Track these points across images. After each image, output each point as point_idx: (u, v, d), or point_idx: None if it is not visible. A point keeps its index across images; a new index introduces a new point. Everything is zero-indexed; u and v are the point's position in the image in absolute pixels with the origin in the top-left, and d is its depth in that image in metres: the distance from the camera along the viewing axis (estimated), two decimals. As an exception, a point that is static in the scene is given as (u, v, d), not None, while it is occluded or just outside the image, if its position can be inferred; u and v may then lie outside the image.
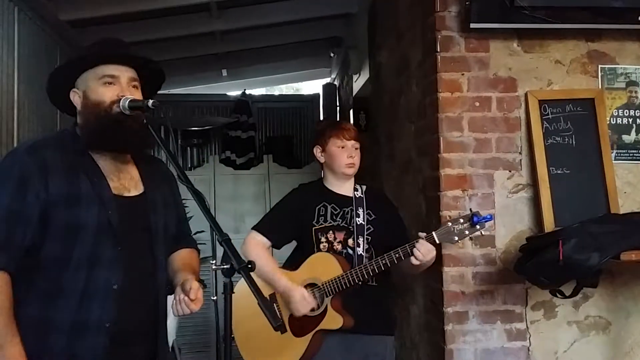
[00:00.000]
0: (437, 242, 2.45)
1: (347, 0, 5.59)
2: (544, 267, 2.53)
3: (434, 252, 2.47)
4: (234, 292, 1.68)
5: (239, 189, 7.02)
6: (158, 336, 1.97)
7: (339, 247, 2.64)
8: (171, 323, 3.09)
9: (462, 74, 2.93)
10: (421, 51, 3.24)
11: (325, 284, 2.56)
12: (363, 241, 2.64)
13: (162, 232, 1.96)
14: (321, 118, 7.69)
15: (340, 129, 2.73)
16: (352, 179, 2.77)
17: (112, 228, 1.81)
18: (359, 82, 5.73)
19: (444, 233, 2.44)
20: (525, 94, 2.95)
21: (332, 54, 7.05)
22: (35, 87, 4.17)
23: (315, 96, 8.12)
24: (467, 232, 2.43)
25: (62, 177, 1.79)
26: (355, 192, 2.74)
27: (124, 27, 5.12)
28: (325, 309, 2.58)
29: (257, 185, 6.95)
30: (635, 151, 2.99)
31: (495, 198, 2.93)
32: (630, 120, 3.01)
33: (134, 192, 1.92)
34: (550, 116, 2.93)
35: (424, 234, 2.45)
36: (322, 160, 2.76)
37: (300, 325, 2.59)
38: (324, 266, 2.58)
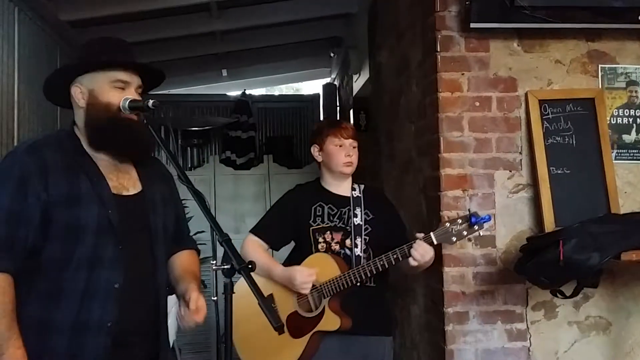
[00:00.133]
0: (435, 243, 2.43)
1: (347, 0, 5.59)
2: (544, 267, 2.53)
3: (432, 253, 2.46)
4: (234, 292, 1.67)
5: (239, 189, 7.02)
6: (159, 336, 1.97)
7: (336, 247, 2.63)
8: (171, 323, 3.08)
9: (462, 74, 2.93)
10: (421, 51, 3.24)
11: (323, 284, 2.55)
12: (361, 242, 2.63)
13: (161, 230, 1.96)
14: (321, 118, 7.69)
15: (338, 128, 2.71)
16: (350, 178, 2.75)
17: (112, 227, 1.81)
18: (359, 82, 5.73)
19: (442, 234, 2.43)
20: (526, 94, 2.95)
21: (332, 54, 7.05)
22: (36, 87, 4.17)
23: (316, 96, 8.12)
24: (465, 233, 2.42)
25: (62, 177, 1.78)
26: (353, 192, 2.72)
27: (124, 27, 5.12)
28: (323, 310, 2.57)
29: (257, 185, 6.95)
30: (635, 151, 2.99)
31: (496, 198, 2.93)
32: (631, 120, 3.01)
33: (132, 191, 1.92)
34: (550, 116, 2.93)
35: (422, 235, 2.44)
36: (319, 159, 2.75)
37: (298, 326, 2.58)
38: (321, 267, 2.56)
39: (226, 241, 1.68)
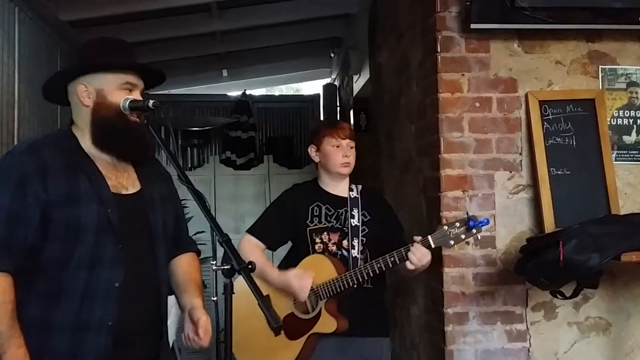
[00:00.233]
0: (433, 246, 2.41)
1: (347, 0, 5.60)
2: (544, 268, 2.53)
3: (430, 256, 2.44)
4: (234, 293, 1.67)
5: (239, 189, 7.02)
6: (160, 335, 1.97)
7: (333, 248, 2.61)
8: (171, 324, 3.09)
9: (463, 75, 2.93)
10: (421, 51, 3.24)
11: (320, 286, 2.53)
12: (358, 243, 2.62)
13: (161, 229, 1.96)
14: (321, 118, 7.69)
15: (335, 128, 2.69)
16: (347, 179, 2.73)
17: (112, 226, 1.81)
18: (359, 83, 5.73)
19: (440, 237, 2.41)
20: (526, 95, 2.95)
21: (332, 55, 7.05)
22: (36, 87, 4.16)
23: (316, 96, 8.12)
24: (463, 236, 2.40)
25: (61, 176, 1.78)
26: (351, 192, 2.70)
27: (124, 28, 5.12)
28: (320, 312, 2.55)
29: (257, 185, 6.96)
30: (635, 152, 2.99)
31: (496, 199, 2.93)
32: (631, 120, 3.01)
33: (131, 190, 1.92)
34: (550, 117, 2.93)
35: (419, 238, 2.42)
36: (316, 159, 2.72)
37: (294, 328, 2.56)
38: (318, 268, 2.55)
39: (226, 241, 1.68)
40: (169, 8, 4.98)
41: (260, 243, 2.66)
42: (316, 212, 2.66)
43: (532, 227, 2.93)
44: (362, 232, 2.63)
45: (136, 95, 1.90)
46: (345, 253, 2.61)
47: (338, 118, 7.06)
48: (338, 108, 7.25)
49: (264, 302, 1.63)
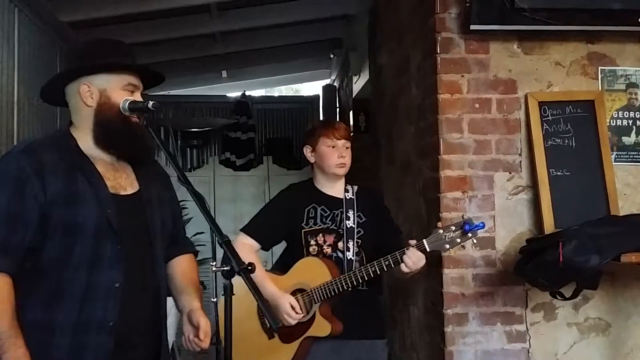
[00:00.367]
0: (428, 250, 2.37)
1: (347, 1, 5.60)
2: (544, 269, 2.53)
3: (425, 260, 2.39)
4: (234, 294, 1.67)
5: (238, 190, 7.03)
6: (160, 335, 1.97)
7: (328, 250, 2.58)
8: (171, 324, 3.08)
9: (462, 76, 2.93)
10: (421, 53, 3.24)
11: (314, 290, 2.50)
12: (353, 245, 2.58)
13: (159, 229, 1.96)
14: (321, 119, 7.69)
15: (331, 128, 2.65)
16: (343, 179, 2.70)
17: (111, 227, 1.81)
18: (359, 84, 5.73)
19: (435, 241, 2.36)
20: (525, 96, 2.95)
21: (332, 56, 7.06)
22: (35, 87, 4.16)
23: (315, 97, 8.13)
24: (458, 240, 2.35)
25: (59, 177, 1.78)
26: (346, 193, 2.67)
27: (124, 28, 5.13)
28: (314, 316, 2.52)
29: (256, 186, 6.96)
30: (635, 153, 2.99)
31: (495, 200, 2.93)
32: (630, 122, 3.01)
33: (129, 191, 1.92)
34: (550, 118, 2.93)
35: (415, 242, 2.38)
36: (312, 160, 2.68)
37: (288, 331, 2.52)
38: (312, 271, 2.52)
39: (226, 243, 1.68)
40: (168, 9, 4.98)
41: (255, 243, 2.61)
42: (312, 213, 2.62)
43: (532, 228, 2.93)
44: (357, 234, 2.60)
45: (137, 96, 1.90)
46: (340, 255, 2.58)
47: (337, 119, 7.07)
48: (338, 109, 7.26)
49: (264, 303, 1.63)
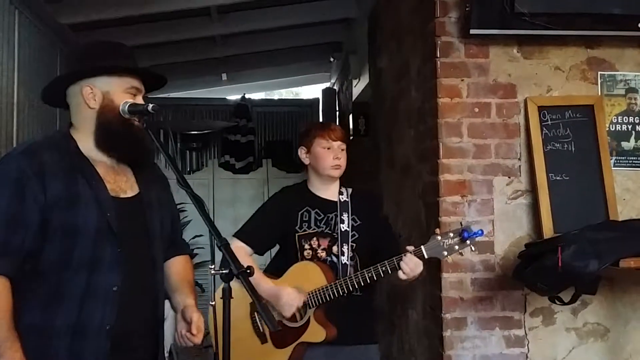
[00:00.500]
0: (426, 257, 2.34)
1: (347, 5, 5.61)
2: (542, 274, 2.53)
3: (422, 267, 2.36)
4: (232, 297, 1.67)
5: (238, 193, 7.03)
6: (158, 339, 1.97)
7: (323, 254, 2.54)
8: (168, 327, 3.08)
9: (462, 80, 2.94)
10: (421, 56, 3.24)
11: (309, 295, 2.46)
12: (347, 249, 2.54)
13: (158, 232, 1.96)
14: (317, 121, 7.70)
15: (326, 129, 2.61)
16: (338, 182, 2.65)
17: (111, 230, 1.81)
18: (358, 87, 5.74)
19: (433, 247, 2.33)
20: (525, 100, 2.96)
21: (332, 59, 7.07)
22: (35, 89, 4.17)
23: (315, 101, 8.14)
24: (456, 247, 2.33)
25: (59, 179, 1.78)
26: (341, 196, 2.62)
27: (124, 31, 5.14)
28: (308, 321, 2.48)
29: (256, 189, 6.97)
30: (634, 158, 2.99)
31: (494, 204, 2.93)
32: (630, 126, 3.01)
33: (129, 193, 1.92)
34: (549, 122, 2.93)
35: (412, 248, 2.35)
36: (306, 161, 2.63)
37: (282, 336, 2.49)
38: (307, 276, 2.48)
39: (225, 246, 1.68)
40: (169, 12, 4.99)
41: (247, 247, 2.56)
42: (305, 217, 2.58)
43: (531, 233, 2.93)
44: (352, 238, 2.57)
45: (139, 99, 1.91)
46: (334, 259, 2.54)
47: (337, 122, 7.07)
48: (337, 112, 7.26)
49: (263, 306, 1.63)
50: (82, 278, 1.77)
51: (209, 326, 1.99)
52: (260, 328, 2.54)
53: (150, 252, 1.93)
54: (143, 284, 1.90)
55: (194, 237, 5.42)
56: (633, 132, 3.01)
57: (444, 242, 2.33)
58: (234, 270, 1.63)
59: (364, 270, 2.42)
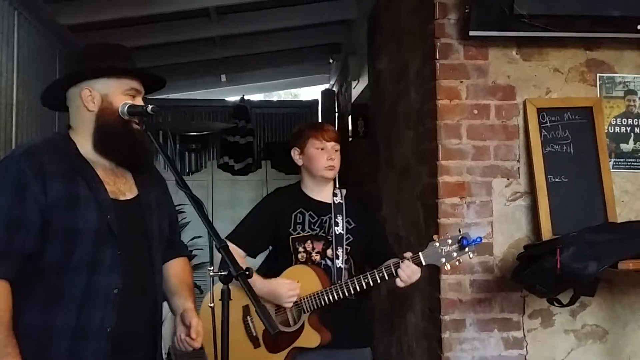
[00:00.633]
0: (424, 264, 2.31)
1: (346, 6, 5.61)
2: (541, 276, 2.53)
3: (419, 274, 2.33)
4: (231, 299, 1.66)
5: (237, 194, 7.03)
6: (156, 341, 1.97)
7: (317, 257, 2.51)
8: (167, 329, 3.08)
9: (461, 82, 2.94)
10: (420, 58, 3.24)
11: (304, 299, 2.43)
12: (342, 252, 2.52)
13: (157, 234, 1.96)
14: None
15: (320, 130, 2.58)
16: (332, 183, 2.63)
17: (111, 232, 1.81)
18: (357, 89, 5.74)
19: (431, 254, 2.30)
20: (524, 102, 2.96)
21: (331, 60, 7.07)
22: (35, 91, 4.17)
23: (314, 102, 8.14)
24: (455, 255, 2.29)
25: (60, 181, 1.78)
26: (335, 198, 2.60)
27: (123, 32, 5.14)
28: (303, 326, 2.45)
29: (255, 190, 6.97)
30: (633, 160, 2.99)
31: (493, 206, 2.93)
32: (629, 128, 3.01)
33: (129, 196, 1.92)
34: (548, 124, 2.93)
35: (410, 254, 2.32)
36: (300, 163, 2.62)
37: (275, 340, 2.46)
38: (302, 280, 2.44)
39: (223, 247, 1.68)
40: (168, 13, 4.99)
41: (240, 250, 2.52)
42: (299, 219, 2.55)
43: (530, 235, 2.93)
44: (346, 241, 2.54)
45: (138, 101, 1.90)
46: (329, 263, 2.52)
47: (336, 124, 7.07)
48: (336, 114, 7.26)
49: (262, 308, 1.63)
50: (82, 279, 1.76)
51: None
52: (254, 332, 2.51)
53: (149, 254, 1.92)
54: (142, 285, 1.90)
55: (192, 239, 5.42)
56: (632, 134, 3.01)
57: (442, 249, 2.30)
58: (233, 272, 1.63)
59: (361, 276, 2.39)
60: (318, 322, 2.47)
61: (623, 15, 2.78)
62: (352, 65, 5.93)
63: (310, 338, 2.45)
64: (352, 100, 5.99)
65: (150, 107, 1.83)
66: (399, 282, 2.32)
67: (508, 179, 2.95)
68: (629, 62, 3.02)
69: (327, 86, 8.01)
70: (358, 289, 2.39)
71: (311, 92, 9.96)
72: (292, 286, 2.43)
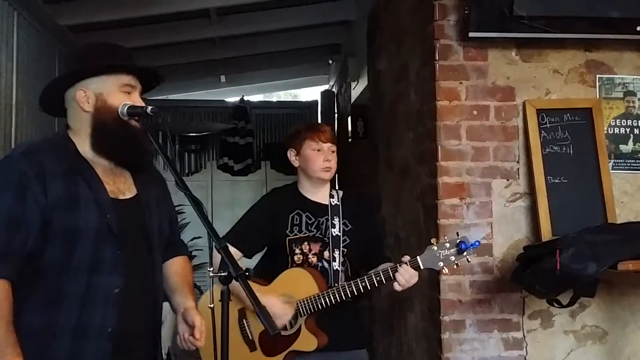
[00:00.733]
0: (422, 268, 2.30)
1: (346, 7, 5.61)
2: (541, 276, 2.53)
3: (417, 278, 2.33)
4: (231, 300, 1.67)
5: (236, 195, 7.03)
6: (157, 341, 1.97)
7: (314, 259, 2.50)
8: (167, 330, 3.08)
9: (461, 83, 2.94)
10: (420, 59, 3.24)
11: (300, 302, 2.41)
12: (339, 254, 2.50)
13: (157, 233, 1.96)
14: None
15: (316, 131, 2.56)
16: (328, 184, 2.61)
17: (111, 232, 1.81)
18: (357, 89, 5.74)
19: (429, 258, 2.29)
20: (523, 103, 2.96)
21: (330, 61, 7.07)
22: (34, 91, 4.17)
23: (314, 103, 8.14)
24: (453, 259, 2.28)
25: (60, 181, 1.78)
26: (331, 199, 2.58)
27: (123, 33, 5.14)
28: (299, 329, 2.44)
29: (254, 191, 6.97)
30: (632, 161, 3.00)
31: (493, 207, 2.93)
32: (628, 130, 3.02)
33: (128, 195, 1.92)
34: (548, 125, 2.93)
35: (408, 258, 2.31)
36: (296, 164, 2.59)
37: (272, 344, 2.45)
38: (299, 283, 2.43)
39: (223, 248, 1.68)
40: (168, 13, 4.99)
41: (237, 251, 2.47)
42: (296, 220, 2.53)
43: (529, 236, 2.93)
44: (343, 243, 2.52)
45: (135, 97, 1.89)
46: (325, 265, 2.50)
47: (336, 124, 7.07)
48: (336, 114, 7.27)
49: (262, 309, 1.62)
50: (82, 279, 1.76)
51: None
52: (249, 335, 2.49)
53: (149, 254, 1.92)
54: (143, 285, 1.90)
55: (192, 239, 5.41)
56: (631, 135, 3.01)
57: (440, 253, 2.29)
58: (233, 272, 1.63)
59: (358, 280, 2.38)
60: (315, 326, 2.45)
61: (622, 17, 2.78)
62: (351, 66, 5.93)
63: (307, 342, 2.44)
64: (352, 101, 5.99)
65: (150, 108, 1.82)
66: (397, 286, 2.32)
67: (507, 180, 2.95)
68: (628, 63, 3.02)
69: (326, 87, 8.01)
70: (355, 293, 2.38)
71: (311, 93, 9.96)
72: (285, 310, 2.39)
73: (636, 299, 2.95)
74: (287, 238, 2.51)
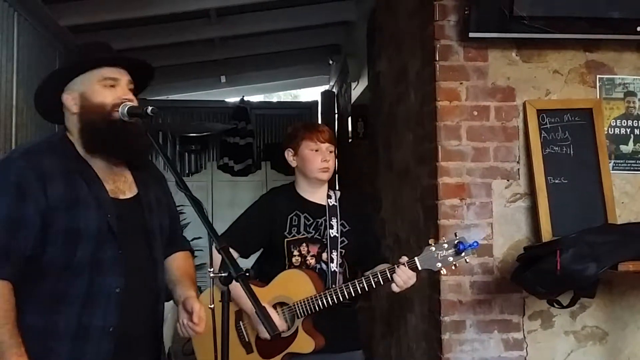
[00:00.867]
0: (420, 268, 2.28)
1: (346, 8, 5.62)
2: (541, 277, 2.53)
3: (415, 279, 2.31)
4: (231, 301, 1.66)
5: (236, 195, 7.03)
6: (159, 340, 1.97)
7: (312, 261, 2.48)
8: (167, 330, 3.08)
9: (461, 83, 2.94)
10: (420, 60, 3.24)
11: (297, 304, 2.39)
12: (337, 255, 2.49)
13: (158, 232, 1.96)
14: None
15: (314, 131, 2.53)
16: (326, 185, 2.58)
17: (112, 231, 1.81)
18: (357, 90, 5.74)
19: (427, 259, 2.27)
20: (524, 104, 2.96)
21: (330, 62, 7.07)
22: (34, 91, 4.17)
23: (314, 103, 8.14)
24: (451, 259, 2.26)
25: (59, 182, 1.78)
26: (329, 200, 2.56)
27: (123, 33, 5.14)
28: (296, 331, 2.41)
29: (255, 191, 6.95)
30: (633, 161, 3.00)
31: (493, 207, 2.93)
32: (628, 130, 3.02)
33: (128, 195, 1.92)
34: (548, 126, 2.93)
35: (406, 259, 2.30)
36: (294, 164, 2.58)
37: (268, 345, 2.42)
38: (296, 285, 2.41)
39: (223, 249, 1.67)
40: (168, 14, 5.00)
41: (233, 251, 2.40)
42: (295, 221, 2.50)
43: (530, 236, 2.93)
44: (340, 244, 2.50)
45: (121, 90, 1.86)
46: (324, 267, 2.48)
47: (336, 125, 7.07)
48: (336, 115, 7.27)
49: (262, 310, 1.62)
50: (84, 280, 1.77)
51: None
52: (246, 338, 2.48)
53: (150, 253, 1.92)
54: (144, 285, 1.90)
55: (192, 240, 5.41)
56: (632, 135, 3.01)
57: (437, 254, 2.28)
58: (233, 273, 1.63)
59: (356, 281, 2.36)
60: (312, 328, 2.44)
61: (622, 17, 2.78)
62: (351, 66, 5.93)
63: (304, 343, 2.42)
64: (352, 101, 6.00)
65: (150, 108, 1.82)
66: (395, 287, 2.31)
67: (508, 181, 2.95)
68: (628, 64, 3.02)
69: (326, 87, 8.02)
70: (353, 294, 2.36)
71: (311, 93, 9.97)
72: (277, 322, 2.34)
73: (636, 300, 2.95)
74: (285, 240, 2.49)
